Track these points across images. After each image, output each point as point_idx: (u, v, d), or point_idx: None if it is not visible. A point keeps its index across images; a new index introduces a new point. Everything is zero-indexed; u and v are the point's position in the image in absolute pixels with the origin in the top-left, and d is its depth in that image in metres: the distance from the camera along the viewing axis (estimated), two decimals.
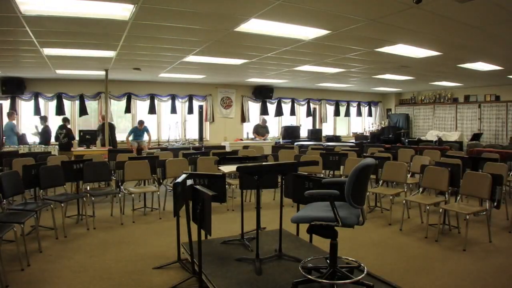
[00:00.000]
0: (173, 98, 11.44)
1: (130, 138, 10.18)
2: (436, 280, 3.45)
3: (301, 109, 13.69)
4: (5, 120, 9.10)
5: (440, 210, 4.69)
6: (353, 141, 13.24)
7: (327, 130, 14.26)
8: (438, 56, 6.48)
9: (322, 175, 6.91)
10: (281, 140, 12.59)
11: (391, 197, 5.34)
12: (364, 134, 14.26)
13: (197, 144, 11.05)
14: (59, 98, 10.09)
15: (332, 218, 2.53)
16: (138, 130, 10.26)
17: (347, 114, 14.63)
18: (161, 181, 6.27)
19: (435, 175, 5.04)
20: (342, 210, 2.59)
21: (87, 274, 3.49)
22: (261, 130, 12.35)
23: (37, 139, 9.31)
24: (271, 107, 13.00)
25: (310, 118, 13.80)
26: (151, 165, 5.95)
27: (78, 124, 10.57)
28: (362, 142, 11.75)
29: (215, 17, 4.39)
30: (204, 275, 3.03)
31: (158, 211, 5.87)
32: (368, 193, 5.36)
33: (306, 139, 12.82)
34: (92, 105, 10.67)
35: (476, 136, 11.43)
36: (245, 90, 12.43)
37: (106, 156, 7.28)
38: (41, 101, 9.96)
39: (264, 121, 12.49)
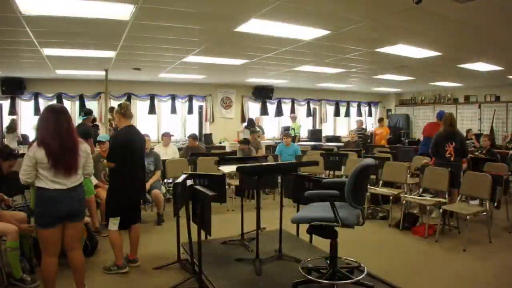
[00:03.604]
0: (173, 98, 11.42)
1: None
2: (436, 281, 3.45)
3: (301, 109, 13.67)
4: (5, 120, 9.10)
5: (440, 210, 4.69)
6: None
7: (327, 130, 14.24)
8: (438, 56, 6.47)
9: (323, 176, 6.91)
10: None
11: (391, 198, 5.34)
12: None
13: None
14: (59, 98, 10.06)
15: (332, 218, 2.53)
16: None
17: (347, 114, 14.60)
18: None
19: (435, 175, 5.04)
20: (342, 210, 2.59)
21: (87, 274, 3.48)
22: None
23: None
24: (271, 107, 12.97)
25: (310, 118, 13.80)
26: None
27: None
28: None
29: (215, 17, 4.39)
30: (204, 275, 3.02)
31: None
32: (368, 193, 5.37)
33: (306, 139, 12.79)
34: (92, 105, 10.64)
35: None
36: (245, 90, 12.41)
37: None
38: (41, 101, 9.92)
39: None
